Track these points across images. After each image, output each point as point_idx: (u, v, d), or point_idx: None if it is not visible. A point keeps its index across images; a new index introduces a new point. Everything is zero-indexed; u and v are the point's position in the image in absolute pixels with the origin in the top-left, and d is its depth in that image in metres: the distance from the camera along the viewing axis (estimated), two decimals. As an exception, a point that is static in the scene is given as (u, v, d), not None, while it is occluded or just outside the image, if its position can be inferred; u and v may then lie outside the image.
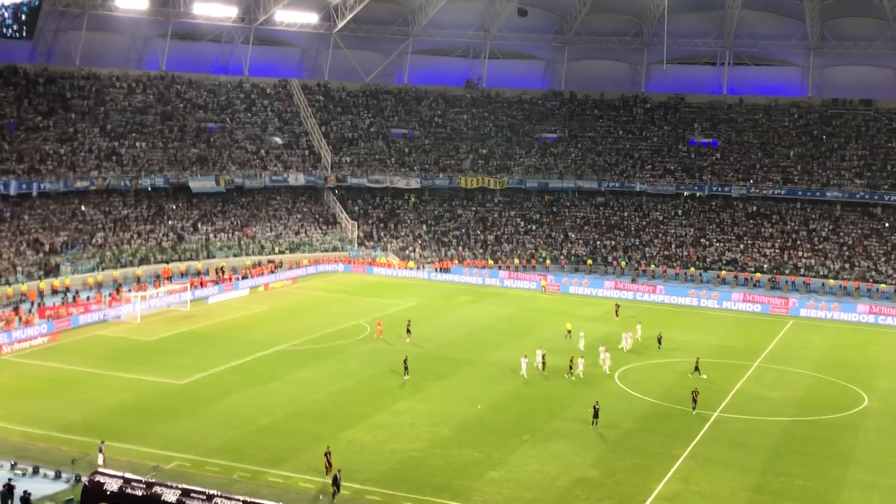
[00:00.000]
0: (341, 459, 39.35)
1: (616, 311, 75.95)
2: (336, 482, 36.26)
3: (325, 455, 38.66)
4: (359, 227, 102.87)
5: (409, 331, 65.06)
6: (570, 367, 56.07)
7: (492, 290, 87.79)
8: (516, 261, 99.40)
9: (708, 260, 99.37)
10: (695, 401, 48.72)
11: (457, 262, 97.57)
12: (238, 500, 32.33)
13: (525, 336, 67.09)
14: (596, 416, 46.02)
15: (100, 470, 33.77)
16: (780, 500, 37.64)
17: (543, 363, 56.49)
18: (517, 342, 64.94)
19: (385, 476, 38.58)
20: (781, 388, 55.38)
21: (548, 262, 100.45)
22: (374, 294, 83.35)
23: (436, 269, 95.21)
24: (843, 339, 71.97)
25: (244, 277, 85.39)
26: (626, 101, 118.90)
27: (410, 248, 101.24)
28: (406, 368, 54.52)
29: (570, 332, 66.36)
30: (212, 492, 32.73)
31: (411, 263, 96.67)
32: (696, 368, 56.82)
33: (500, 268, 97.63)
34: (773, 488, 38.91)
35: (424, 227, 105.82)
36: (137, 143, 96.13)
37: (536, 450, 42.56)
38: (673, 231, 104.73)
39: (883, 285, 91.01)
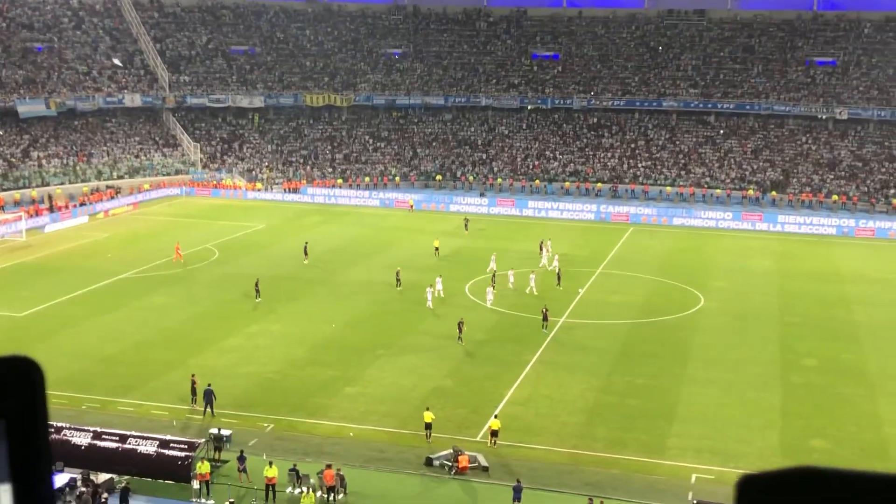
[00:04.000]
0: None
1: (465, 226, 77.05)
2: (208, 398, 36.50)
3: (192, 381, 38.07)
4: (202, 148, 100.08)
5: (306, 252, 64.38)
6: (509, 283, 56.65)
7: (343, 210, 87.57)
8: (366, 179, 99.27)
9: (552, 172, 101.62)
10: (545, 318, 49.46)
11: (305, 182, 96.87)
12: (87, 430, 31.64)
13: (379, 254, 67.45)
14: (460, 330, 46.74)
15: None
16: (624, 399, 39.50)
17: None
18: (371, 261, 65.24)
19: (239, 399, 38.39)
20: (624, 293, 57.71)
21: (398, 179, 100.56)
22: (220, 217, 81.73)
23: (285, 190, 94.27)
24: (680, 243, 75.29)
25: (82, 204, 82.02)
26: (469, 15, 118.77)
27: (257, 170, 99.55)
28: (258, 291, 54.00)
29: (437, 249, 66.99)
30: (60, 424, 31.89)
31: (259, 185, 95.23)
32: (559, 279, 58.23)
33: (350, 186, 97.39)
34: (618, 388, 40.76)
35: (271, 147, 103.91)
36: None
37: (392, 364, 43.17)
38: (518, 145, 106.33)
39: (717, 190, 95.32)
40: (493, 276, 57.55)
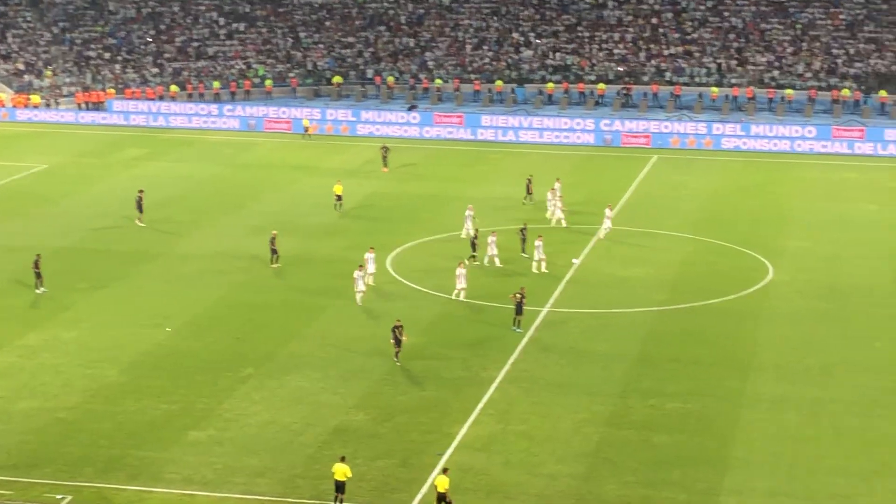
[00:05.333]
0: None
1: (383, 159, 76.90)
2: None
3: None
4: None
5: (140, 207, 63.78)
6: (473, 250, 56.86)
7: (178, 137, 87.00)
8: (216, 84, 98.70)
9: (525, 68, 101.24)
10: (519, 309, 48.99)
11: (113, 91, 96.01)
12: None
13: (240, 209, 67.12)
14: (398, 343, 45.91)
15: None
16: (647, 435, 39.26)
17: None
18: (228, 220, 64.96)
19: (13, 455, 37.81)
20: (644, 263, 57.60)
21: (269, 83, 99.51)
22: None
23: (79, 106, 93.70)
24: (733, 178, 75.55)
25: None
26: None
27: (33, 71, 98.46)
28: (39, 275, 53.31)
29: (340, 198, 66.79)
30: None
31: (35, 97, 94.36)
32: (523, 239, 57.96)
33: (189, 97, 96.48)
34: (636, 417, 40.58)
35: (52, 33, 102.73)
36: None
37: (267, 389, 42.68)
38: (467, 22, 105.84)
39: (789, 91, 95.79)
40: (473, 242, 57.32)
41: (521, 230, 58.81)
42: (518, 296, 48.86)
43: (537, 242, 56.05)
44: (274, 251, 56.79)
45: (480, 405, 41.65)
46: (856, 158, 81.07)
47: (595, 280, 55.33)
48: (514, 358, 45.89)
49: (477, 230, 58.72)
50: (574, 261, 57.20)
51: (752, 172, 77.35)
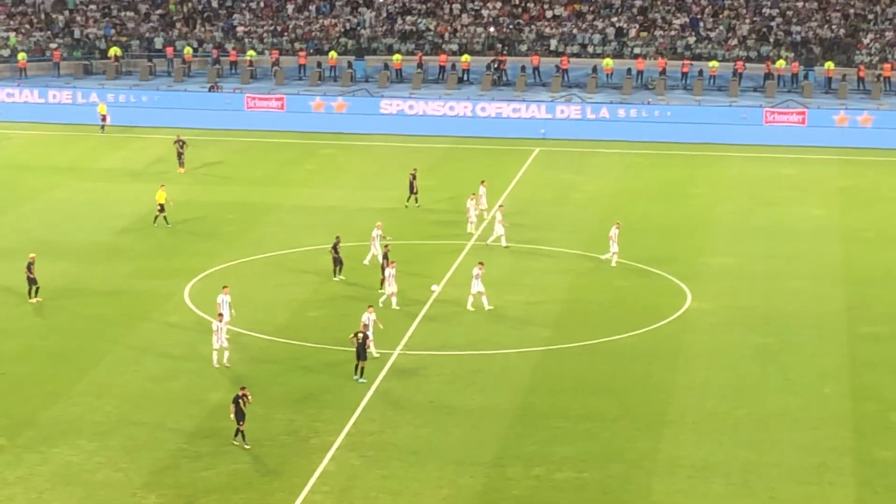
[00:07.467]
0: None
1: (179, 157, 76.80)
2: None
3: None
4: None
5: None
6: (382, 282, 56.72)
7: None
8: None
9: (365, 35, 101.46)
10: (362, 354, 48.82)
11: None
12: None
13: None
14: (241, 417, 44.78)
15: None
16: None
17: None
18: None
19: None
20: (523, 288, 58.11)
21: (22, 57, 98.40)
22: None
23: None
24: (638, 176, 76.94)
25: None
26: None
27: None
28: None
29: (163, 208, 66.15)
30: None
31: None
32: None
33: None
34: (519, 492, 40.48)
35: None
36: None
37: (24, 466, 41.86)
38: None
39: (714, 63, 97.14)
40: (383, 270, 57.05)
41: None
42: (360, 336, 48.65)
43: (476, 271, 55.83)
44: (32, 281, 56.18)
45: (312, 481, 41.42)
46: (794, 150, 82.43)
47: (460, 313, 55.53)
48: (355, 417, 45.73)
49: (388, 249, 58.36)
50: (433, 287, 57.19)
51: (662, 169, 78.42)
